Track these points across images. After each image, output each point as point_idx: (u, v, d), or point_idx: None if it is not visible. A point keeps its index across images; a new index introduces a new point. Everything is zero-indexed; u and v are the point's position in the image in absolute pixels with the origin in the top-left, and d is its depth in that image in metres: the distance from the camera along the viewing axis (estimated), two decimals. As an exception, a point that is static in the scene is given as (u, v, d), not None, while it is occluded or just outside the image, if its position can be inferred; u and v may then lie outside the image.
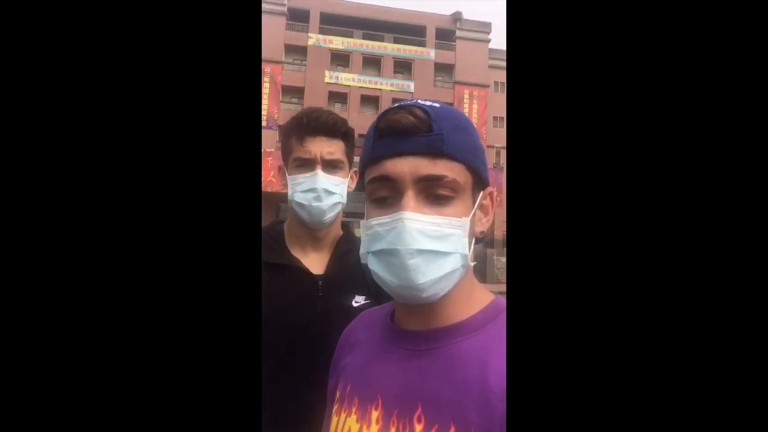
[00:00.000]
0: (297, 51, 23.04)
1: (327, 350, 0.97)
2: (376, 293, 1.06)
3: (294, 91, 22.30)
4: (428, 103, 0.55)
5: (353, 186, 1.14)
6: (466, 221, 0.54)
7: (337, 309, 1.03)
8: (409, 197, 0.52)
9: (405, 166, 0.52)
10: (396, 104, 0.55)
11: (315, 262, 1.08)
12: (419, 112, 0.52)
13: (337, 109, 21.76)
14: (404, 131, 0.52)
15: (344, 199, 1.09)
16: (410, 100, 0.56)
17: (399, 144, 0.52)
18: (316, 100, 20.18)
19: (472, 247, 0.57)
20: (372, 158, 0.55)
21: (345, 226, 1.18)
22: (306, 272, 1.05)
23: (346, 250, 1.12)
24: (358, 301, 1.07)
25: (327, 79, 22.85)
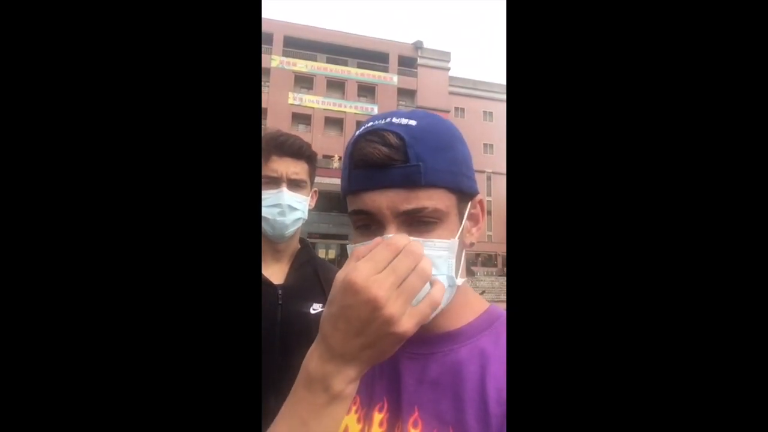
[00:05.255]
0: (260, 72, 22.92)
1: (286, 354, 1.06)
2: None
3: (257, 112, 22.05)
4: (404, 121, 0.52)
5: (313, 204, 1.22)
6: (453, 242, 0.52)
7: (295, 316, 1.10)
8: (391, 230, 0.50)
9: (383, 201, 0.50)
10: (369, 125, 0.52)
11: (275, 273, 1.15)
12: (393, 139, 0.50)
13: (300, 130, 21.67)
14: (379, 164, 0.50)
15: (305, 216, 1.17)
16: (386, 118, 0.53)
17: (375, 176, 0.50)
18: (278, 120, 20.07)
19: (463, 260, 0.56)
20: (350, 190, 0.53)
21: (303, 239, 1.26)
22: (267, 282, 1.12)
23: (304, 261, 1.20)
24: (315, 308, 1.14)
25: (290, 101, 22.83)
